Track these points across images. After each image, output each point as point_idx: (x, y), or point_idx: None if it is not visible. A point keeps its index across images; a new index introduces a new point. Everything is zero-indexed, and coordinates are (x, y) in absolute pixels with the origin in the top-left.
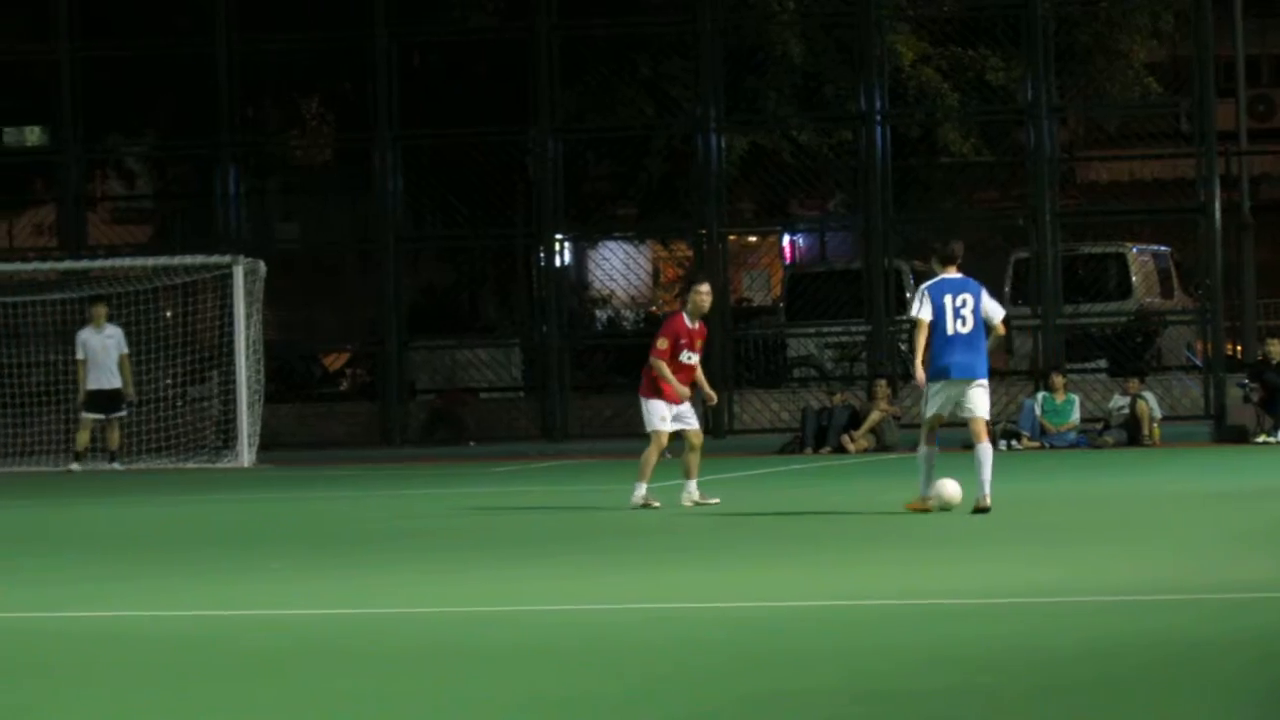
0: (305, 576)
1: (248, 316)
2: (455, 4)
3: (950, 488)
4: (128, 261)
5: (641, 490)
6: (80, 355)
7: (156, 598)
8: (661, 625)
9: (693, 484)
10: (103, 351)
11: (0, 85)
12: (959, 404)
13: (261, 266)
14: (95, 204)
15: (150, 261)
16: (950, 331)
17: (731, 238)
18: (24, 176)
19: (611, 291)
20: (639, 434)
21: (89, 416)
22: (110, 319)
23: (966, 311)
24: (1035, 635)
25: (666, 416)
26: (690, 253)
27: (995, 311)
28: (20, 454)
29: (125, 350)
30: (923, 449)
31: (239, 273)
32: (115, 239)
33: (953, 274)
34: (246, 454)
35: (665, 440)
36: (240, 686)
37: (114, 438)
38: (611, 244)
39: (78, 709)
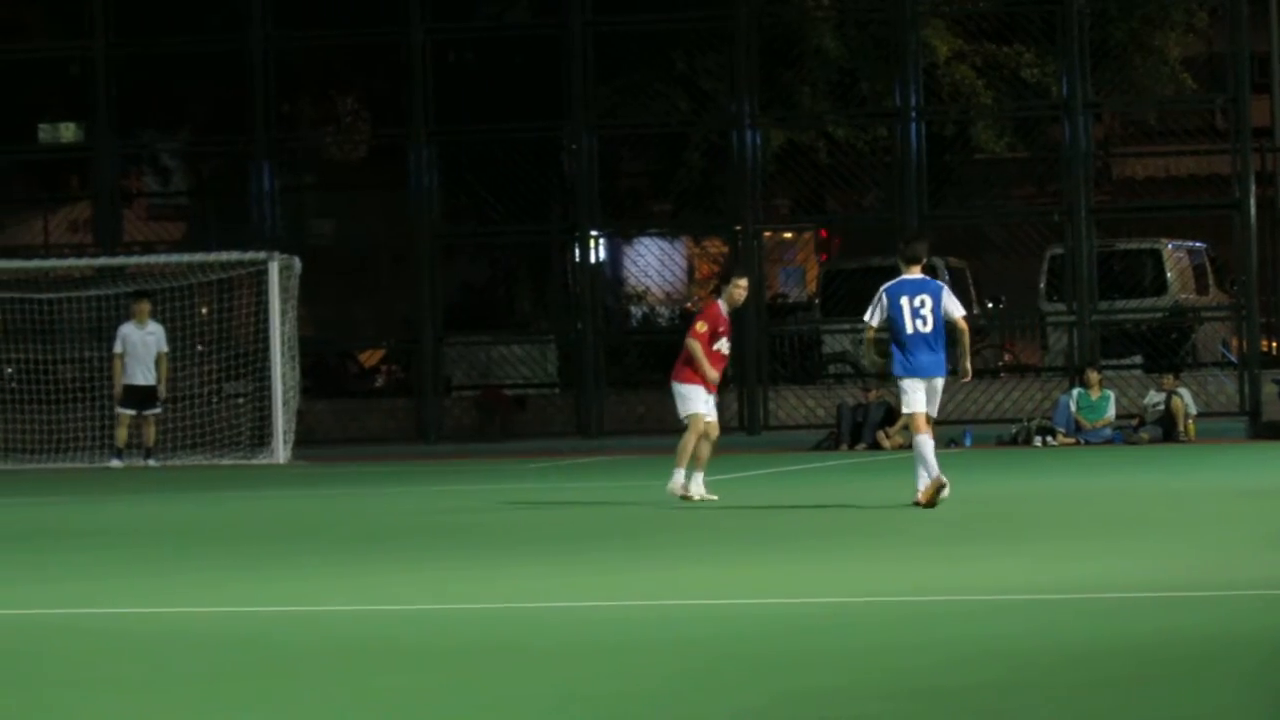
0: (341, 573)
1: (283, 313)
2: (490, 0)
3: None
4: (163, 258)
5: (680, 477)
6: (119, 349)
7: (193, 594)
8: (697, 622)
9: (700, 476)
10: (143, 347)
11: (36, 82)
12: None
13: (297, 263)
14: (131, 200)
15: (185, 258)
16: (911, 331)
17: (767, 234)
18: (60, 173)
19: (646, 288)
20: (674, 430)
21: (125, 412)
22: (153, 316)
23: (926, 311)
24: (1070, 631)
25: (708, 400)
26: (725, 249)
27: (955, 309)
28: (55, 450)
29: (165, 349)
30: (919, 438)
31: (274, 269)
32: (150, 235)
33: (915, 274)
34: (282, 450)
35: (703, 425)
36: (277, 683)
37: (150, 434)
38: (647, 240)
39: (113, 706)
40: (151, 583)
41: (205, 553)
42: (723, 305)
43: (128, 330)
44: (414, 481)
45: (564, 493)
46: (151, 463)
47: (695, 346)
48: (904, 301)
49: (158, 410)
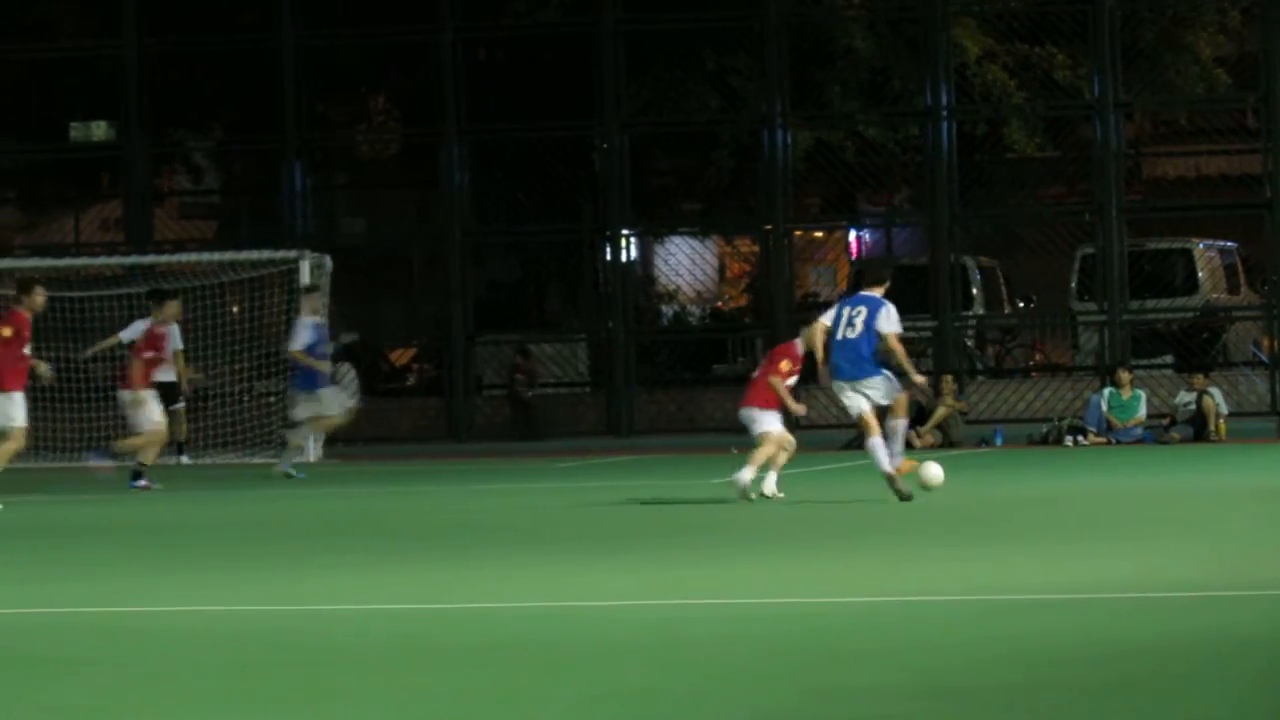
0: (371, 571)
1: (314, 311)
2: None
3: (933, 470)
4: (194, 256)
5: (748, 474)
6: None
7: (223, 592)
8: (726, 620)
9: (774, 476)
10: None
11: (68, 80)
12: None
13: (328, 261)
14: (162, 199)
15: (216, 256)
16: (839, 337)
17: (797, 233)
18: (91, 171)
19: (677, 286)
20: (704, 428)
21: None
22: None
23: (858, 321)
24: (1100, 630)
25: (778, 418)
26: (756, 248)
27: (885, 326)
28: (87, 448)
29: (180, 347)
30: (873, 439)
31: (305, 268)
32: (182, 234)
33: (867, 292)
34: (312, 449)
35: (780, 439)
36: (306, 682)
37: (181, 429)
38: (677, 239)
39: (144, 703)
40: (180, 580)
41: (235, 551)
42: (799, 345)
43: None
44: (444, 480)
45: (594, 491)
46: (184, 459)
47: (779, 384)
48: (845, 311)
49: (180, 405)
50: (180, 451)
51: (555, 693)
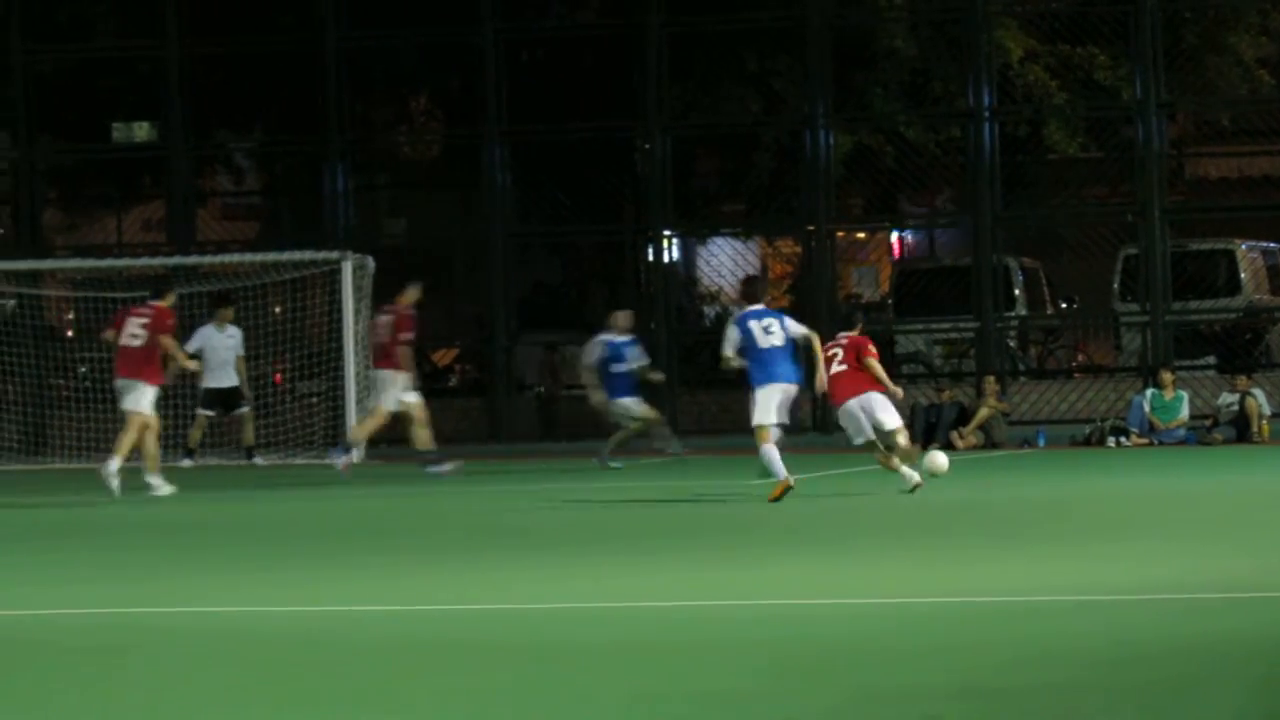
0: (414, 572)
1: (356, 312)
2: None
3: (940, 459)
4: (236, 257)
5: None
6: (193, 348)
7: (262, 592)
8: (769, 621)
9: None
10: (223, 350)
11: (110, 81)
12: (785, 406)
13: (370, 262)
14: (204, 200)
15: (259, 257)
16: (765, 346)
17: (839, 234)
18: (133, 172)
19: (720, 287)
20: (746, 429)
21: (204, 414)
22: (233, 321)
23: (775, 329)
24: (1141, 631)
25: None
26: (798, 249)
27: (798, 329)
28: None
29: (242, 352)
30: (765, 448)
31: (347, 269)
32: (224, 235)
33: (758, 307)
34: (355, 450)
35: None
36: (345, 681)
37: (248, 434)
38: (719, 240)
39: (193, 705)
40: (221, 580)
41: (276, 551)
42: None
43: (208, 333)
44: (486, 481)
45: (636, 492)
46: (259, 460)
47: (877, 365)
48: (753, 325)
49: (245, 409)
50: (250, 455)
51: (596, 694)
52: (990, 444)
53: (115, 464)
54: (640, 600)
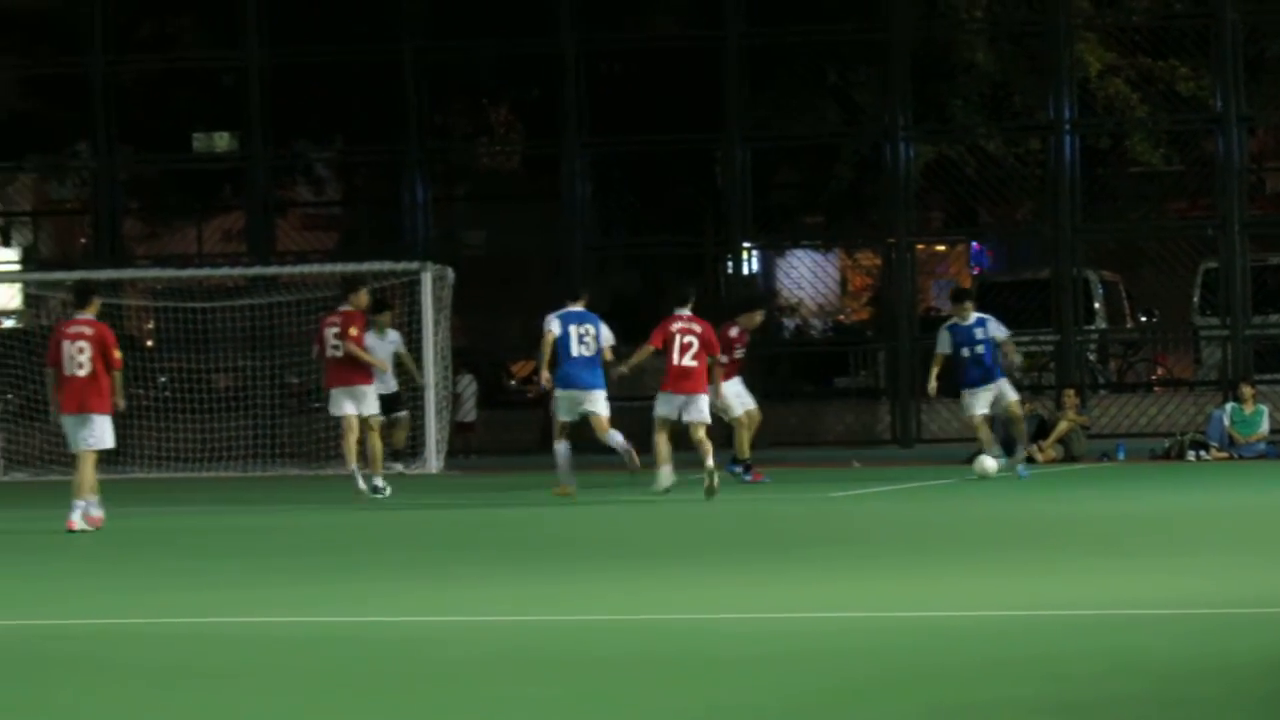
0: (489, 583)
1: (436, 323)
2: (643, 10)
3: (989, 463)
4: (316, 267)
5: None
6: None
7: (342, 603)
8: (847, 634)
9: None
10: (383, 357)
11: (190, 91)
12: (580, 406)
13: (450, 273)
14: (284, 210)
15: (338, 268)
16: (575, 354)
17: (919, 246)
18: (213, 182)
19: (799, 300)
20: (824, 441)
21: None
22: (393, 324)
23: (589, 339)
24: (1222, 645)
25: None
26: (878, 261)
27: (607, 338)
28: (209, 459)
29: (403, 349)
30: (559, 444)
31: (427, 279)
32: (303, 244)
33: (579, 308)
34: (435, 460)
35: None
36: (423, 692)
37: (400, 437)
38: (799, 252)
39: (269, 714)
40: (303, 591)
41: (356, 561)
42: None
43: (370, 341)
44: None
45: (714, 504)
46: (401, 468)
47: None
48: (572, 329)
49: (404, 413)
50: (397, 458)
51: (666, 707)
52: (1069, 457)
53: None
54: (717, 613)
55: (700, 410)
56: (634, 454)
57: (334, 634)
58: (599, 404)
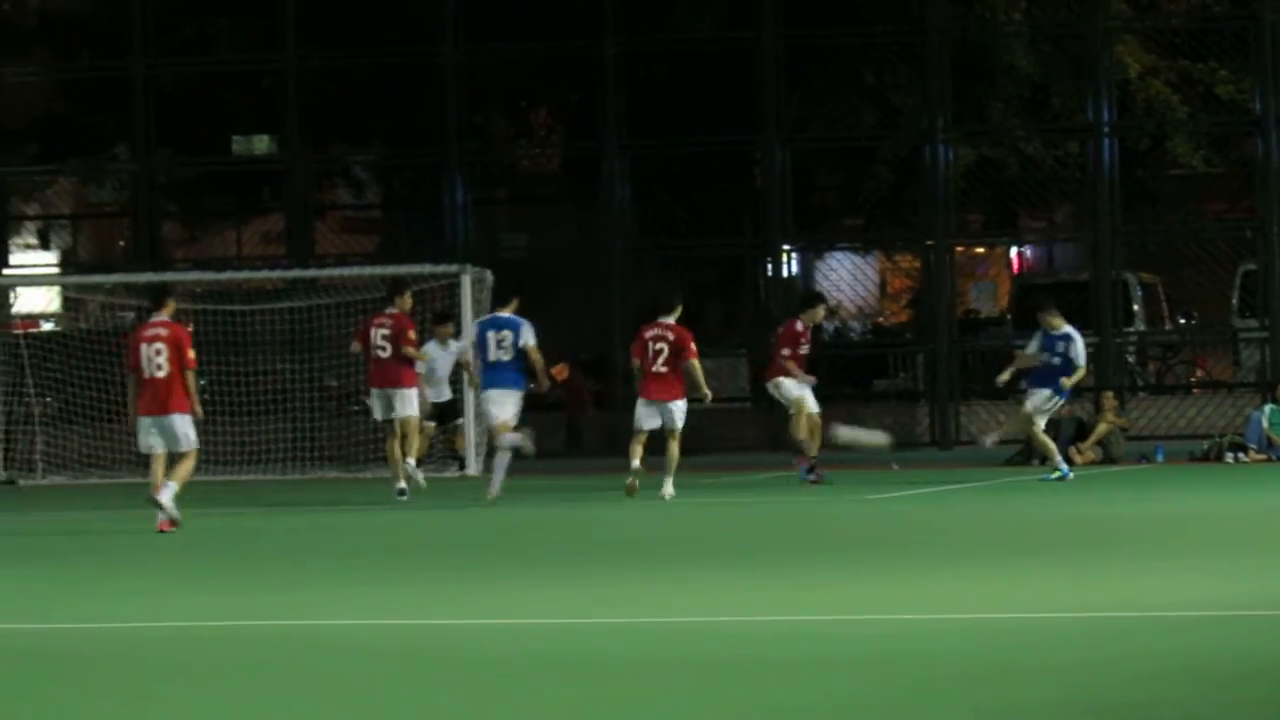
0: (533, 585)
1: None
2: (681, 13)
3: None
4: (355, 270)
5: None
6: (421, 370)
7: (391, 605)
8: (890, 636)
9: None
10: (445, 366)
11: (229, 94)
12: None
13: (489, 275)
14: (323, 213)
15: (378, 270)
16: (492, 359)
17: (959, 249)
18: (253, 185)
19: (838, 302)
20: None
21: (430, 425)
22: (455, 336)
23: (507, 345)
24: (1266, 647)
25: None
26: (917, 263)
27: (531, 339)
28: (246, 461)
29: (466, 358)
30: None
31: (467, 282)
32: (343, 247)
33: (506, 313)
34: (473, 463)
35: None
36: (467, 694)
37: (459, 443)
38: (838, 254)
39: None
40: (343, 593)
41: (395, 564)
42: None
43: (431, 348)
44: (605, 494)
45: (758, 506)
46: (469, 470)
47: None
48: (489, 335)
49: (461, 421)
50: (462, 466)
51: (711, 708)
52: (1108, 459)
53: (413, 467)
54: (767, 615)
55: (675, 418)
56: (527, 439)
57: (373, 638)
58: (506, 406)
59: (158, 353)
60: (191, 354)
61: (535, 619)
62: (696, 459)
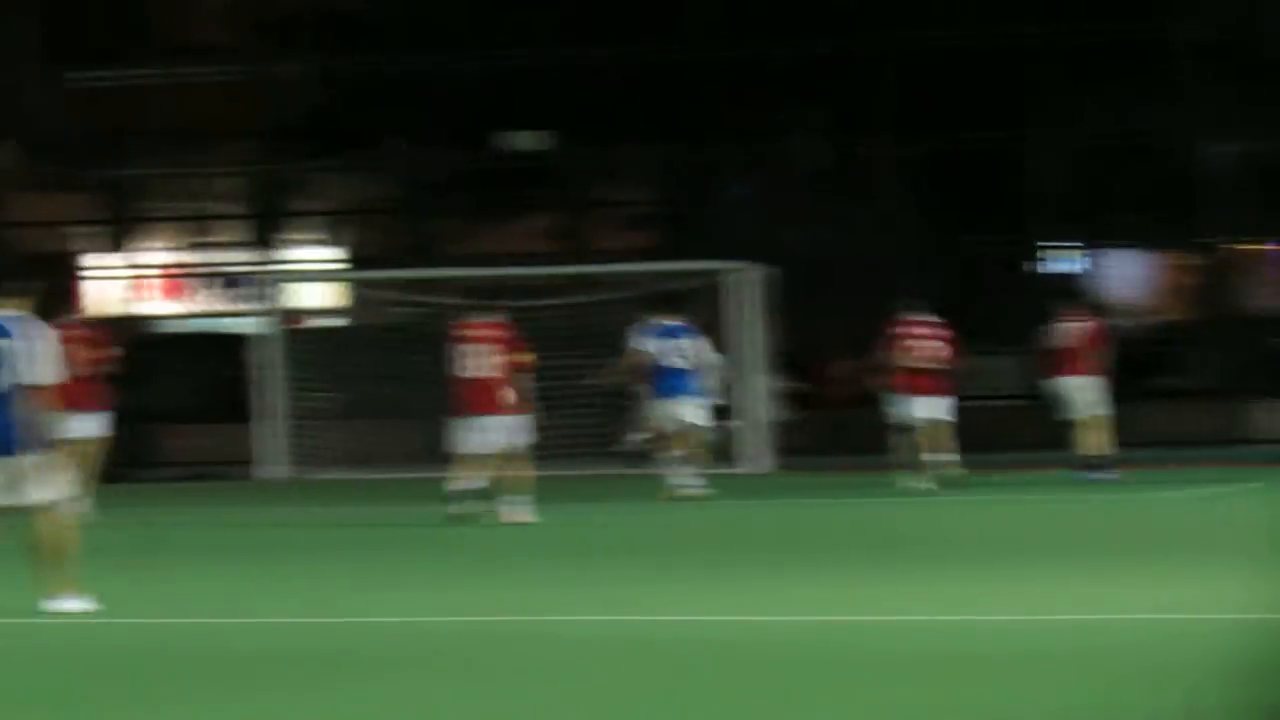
0: (818, 583)
1: (756, 324)
2: (952, 9)
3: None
4: (630, 267)
5: None
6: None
7: (644, 601)
8: (1091, 634)
9: None
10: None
11: (508, 90)
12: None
13: (769, 274)
14: (599, 209)
15: (655, 267)
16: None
17: (1236, 247)
18: (528, 181)
19: (1114, 299)
20: (1132, 443)
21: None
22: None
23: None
24: None
25: None
26: (1195, 261)
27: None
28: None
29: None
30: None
31: (747, 279)
32: (620, 244)
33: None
34: (767, 459)
35: None
36: (760, 692)
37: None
38: (1114, 251)
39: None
40: (555, 592)
41: (644, 561)
42: None
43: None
44: (863, 492)
45: (1018, 506)
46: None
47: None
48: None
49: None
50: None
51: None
52: None
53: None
54: (933, 615)
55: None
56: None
57: (571, 633)
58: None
59: (482, 353)
60: (523, 356)
61: (825, 616)
62: (968, 457)
